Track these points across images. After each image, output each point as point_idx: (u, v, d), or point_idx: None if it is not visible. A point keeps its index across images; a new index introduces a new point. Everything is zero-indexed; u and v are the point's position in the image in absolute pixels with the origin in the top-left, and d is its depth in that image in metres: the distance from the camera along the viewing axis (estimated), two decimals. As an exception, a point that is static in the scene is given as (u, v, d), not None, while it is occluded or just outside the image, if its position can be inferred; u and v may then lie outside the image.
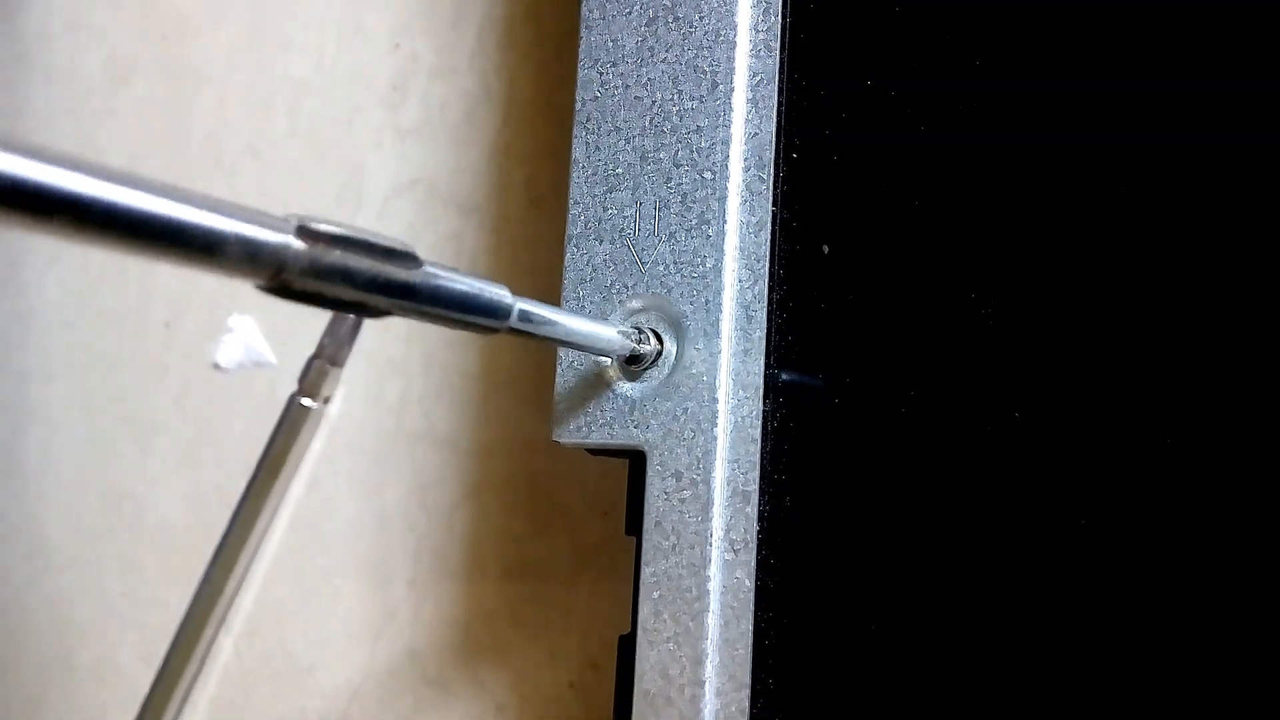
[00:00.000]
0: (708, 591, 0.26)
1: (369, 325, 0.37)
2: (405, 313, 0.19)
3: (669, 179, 0.28)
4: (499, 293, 0.21)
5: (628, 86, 0.29)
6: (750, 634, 0.26)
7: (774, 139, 0.27)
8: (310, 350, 0.37)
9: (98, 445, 0.43)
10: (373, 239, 0.18)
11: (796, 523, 0.26)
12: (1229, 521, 0.23)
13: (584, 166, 0.29)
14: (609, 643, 0.30)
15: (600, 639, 0.33)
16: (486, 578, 0.35)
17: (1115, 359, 0.24)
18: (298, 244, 0.17)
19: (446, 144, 0.38)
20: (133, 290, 0.43)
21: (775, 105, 0.27)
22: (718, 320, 0.27)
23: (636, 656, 0.27)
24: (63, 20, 0.46)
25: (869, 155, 0.27)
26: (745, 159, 0.27)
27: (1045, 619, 0.24)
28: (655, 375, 0.27)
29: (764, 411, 0.27)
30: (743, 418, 0.27)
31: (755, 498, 0.26)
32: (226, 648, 0.39)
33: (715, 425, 0.26)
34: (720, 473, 0.26)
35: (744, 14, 0.28)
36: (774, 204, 0.27)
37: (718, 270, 0.27)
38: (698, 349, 0.27)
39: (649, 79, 0.28)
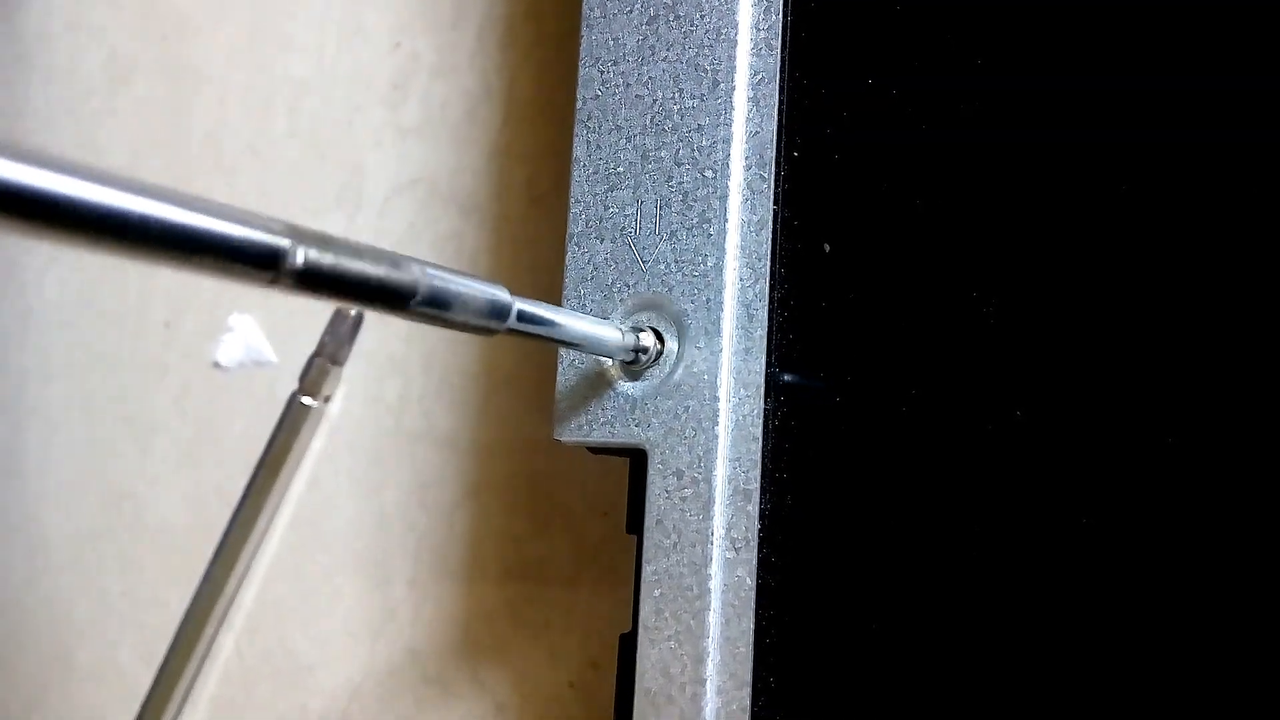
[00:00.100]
0: (709, 590, 0.26)
1: (369, 324, 0.37)
2: (404, 315, 0.19)
3: (670, 177, 0.28)
4: (497, 293, 0.21)
5: (629, 85, 0.29)
6: (751, 632, 0.26)
7: (775, 137, 0.27)
8: (311, 349, 0.37)
9: (98, 445, 0.43)
10: (367, 246, 0.18)
11: (798, 521, 0.26)
12: (1230, 521, 0.23)
13: (585, 165, 0.29)
14: (609, 642, 0.30)
15: (601, 638, 0.33)
16: (486, 577, 0.35)
17: (1116, 358, 0.24)
18: (294, 247, 0.16)
19: (447, 143, 0.38)
20: (133, 290, 0.43)
21: (776, 104, 0.27)
22: (719, 319, 0.27)
23: (637, 655, 0.27)
24: (63, 20, 0.46)
25: (870, 154, 0.27)
26: (746, 157, 0.27)
27: (1046, 617, 0.24)
28: (656, 374, 0.27)
29: (765, 410, 0.27)
30: (744, 416, 0.27)
31: (756, 496, 0.26)
32: (227, 646, 0.39)
33: (716, 424, 0.26)
34: (721, 471, 0.26)
35: (745, 12, 0.28)
36: (775, 203, 0.27)
37: (719, 269, 0.27)
38: (699, 347, 0.27)
39: (650, 77, 0.28)
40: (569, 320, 0.24)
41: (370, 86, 0.39)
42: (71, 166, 0.13)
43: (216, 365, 0.41)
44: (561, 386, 0.28)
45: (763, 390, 0.27)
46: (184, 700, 0.34)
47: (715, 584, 0.26)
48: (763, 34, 0.28)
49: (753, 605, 0.26)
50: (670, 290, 0.27)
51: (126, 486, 0.42)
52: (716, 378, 0.27)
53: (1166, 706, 0.23)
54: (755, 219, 0.27)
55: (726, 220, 0.27)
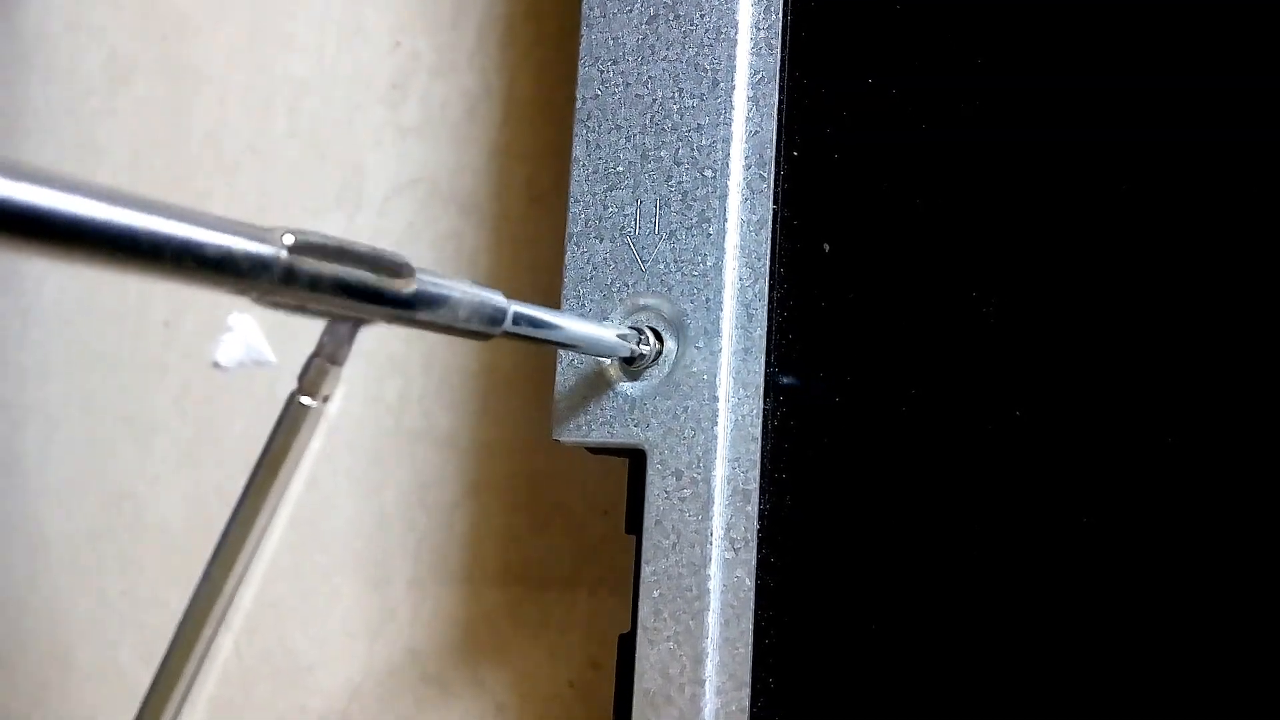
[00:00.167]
0: (708, 590, 0.26)
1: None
2: (397, 322, 0.19)
3: (670, 177, 0.28)
4: (493, 299, 0.21)
5: (628, 84, 0.29)
6: (750, 633, 0.26)
7: (775, 137, 0.27)
8: (310, 349, 0.37)
9: (98, 445, 0.43)
10: (363, 250, 0.18)
11: (797, 521, 0.26)
12: (1229, 520, 0.23)
13: (585, 164, 0.29)
14: (609, 642, 0.30)
15: (600, 638, 0.33)
16: (486, 577, 0.35)
17: (1116, 358, 0.24)
18: (285, 258, 0.16)
19: (447, 142, 0.38)
20: (132, 290, 0.43)
21: (776, 103, 0.27)
22: (718, 319, 0.27)
23: (636, 655, 0.27)
24: (63, 20, 0.46)
25: (870, 153, 0.27)
26: (746, 157, 0.27)
27: (1045, 616, 0.24)
28: (656, 374, 0.27)
29: (764, 410, 0.26)
30: (743, 416, 0.27)
31: (755, 496, 0.26)
32: (226, 646, 0.39)
33: (716, 424, 0.26)
34: (720, 471, 0.26)
35: (745, 12, 0.28)
36: (775, 202, 0.27)
37: (718, 269, 0.27)
38: (698, 347, 0.27)
39: (650, 77, 0.28)
40: (566, 322, 0.24)
41: (370, 86, 0.39)
42: (46, 177, 0.13)
43: (216, 365, 0.41)
44: (560, 386, 0.28)
45: (762, 390, 0.27)
46: (183, 700, 0.34)
47: (714, 584, 0.26)
48: (762, 33, 0.28)
49: (752, 606, 0.26)
50: (670, 290, 0.27)
51: (126, 486, 0.42)
52: (716, 378, 0.27)
53: (1165, 706, 0.23)
54: (755, 219, 0.27)
55: (726, 220, 0.27)
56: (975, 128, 0.26)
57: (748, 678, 0.26)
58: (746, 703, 0.26)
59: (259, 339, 0.40)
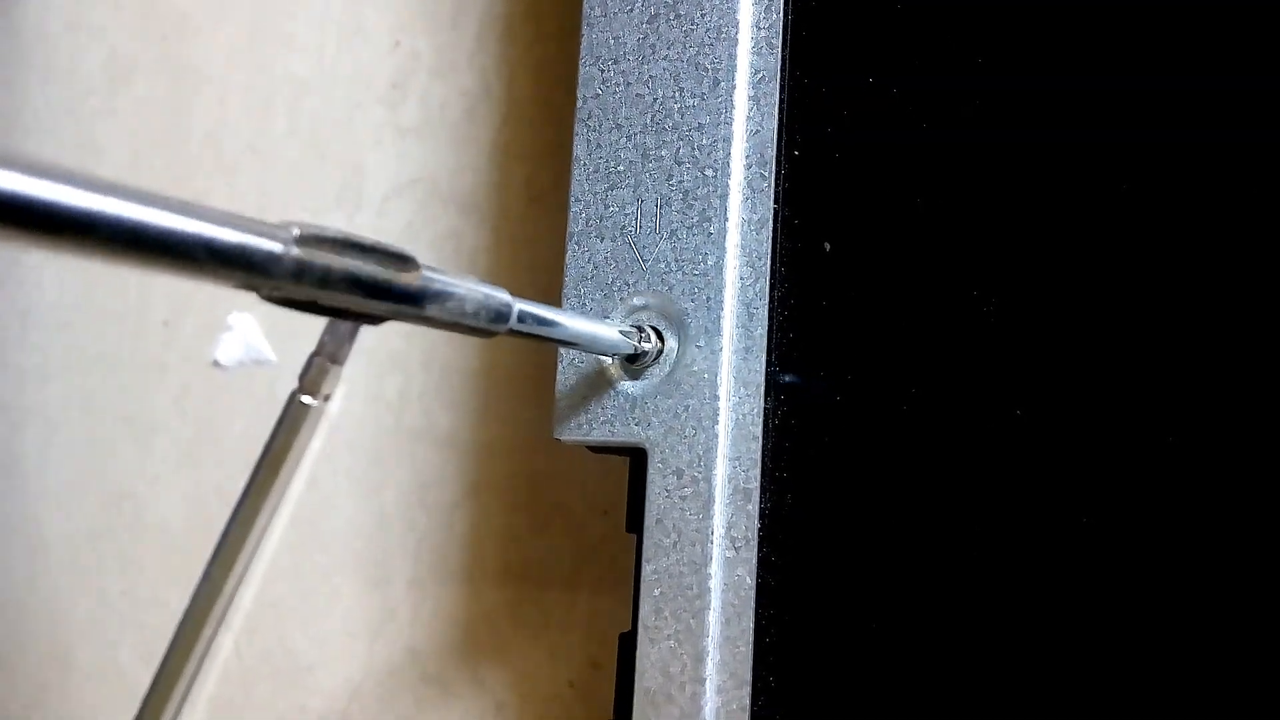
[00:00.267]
0: (709, 589, 0.26)
1: (369, 324, 0.37)
2: (403, 318, 0.19)
3: (670, 176, 0.28)
4: (498, 296, 0.21)
5: (629, 84, 0.29)
6: (751, 631, 0.26)
7: (775, 136, 0.27)
8: (311, 347, 0.37)
9: (98, 445, 0.43)
10: (369, 244, 0.18)
11: (797, 520, 0.26)
12: (1229, 519, 0.23)
13: (585, 164, 0.29)
14: (609, 641, 0.30)
15: (600, 638, 0.33)
16: (486, 577, 0.35)
17: (1116, 357, 0.24)
18: (294, 252, 0.16)
19: (446, 142, 0.38)
20: (132, 290, 0.43)
21: (777, 103, 0.27)
22: (719, 318, 0.27)
23: (637, 654, 0.27)
24: (63, 20, 0.46)
25: (871, 153, 0.27)
26: (747, 156, 0.27)
27: (1045, 616, 0.24)
28: (656, 373, 0.27)
29: (765, 409, 0.26)
30: (744, 415, 0.27)
31: (756, 495, 0.26)
32: (226, 646, 0.39)
33: (716, 423, 0.26)
34: (721, 470, 0.26)
35: (746, 11, 0.28)
36: (775, 201, 0.27)
37: (719, 268, 0.27)
38: (699, 346, 0.27)
39: (650, 76, 0.28)
40: (569, 321, 0.24)
41: (370, 86, 0.39)
42: (53, 171, 0.13)
43: (216, 365, 0.41)
44: (561, 385, 0.28)
45: (763, 389, 0.27)
46: (183, 700, 0.34)
47: (715, 583, 0.26)
48: (763, 32, 0.28)
49: (752, 604, 0.26)
50: (670, 289, 0.27)
51: (126, 486, 0.42)
52: (716, 376, 0.27)
53: (1164, 705, 0.23)
54: (756, 218, 0.27)
55: (727, 219, 0.27)
56: (976, 127, 0.26)
57: (748, 676, 0.26)
58: (747, 701, 0.26)
59: (259, 338, 0.41)
